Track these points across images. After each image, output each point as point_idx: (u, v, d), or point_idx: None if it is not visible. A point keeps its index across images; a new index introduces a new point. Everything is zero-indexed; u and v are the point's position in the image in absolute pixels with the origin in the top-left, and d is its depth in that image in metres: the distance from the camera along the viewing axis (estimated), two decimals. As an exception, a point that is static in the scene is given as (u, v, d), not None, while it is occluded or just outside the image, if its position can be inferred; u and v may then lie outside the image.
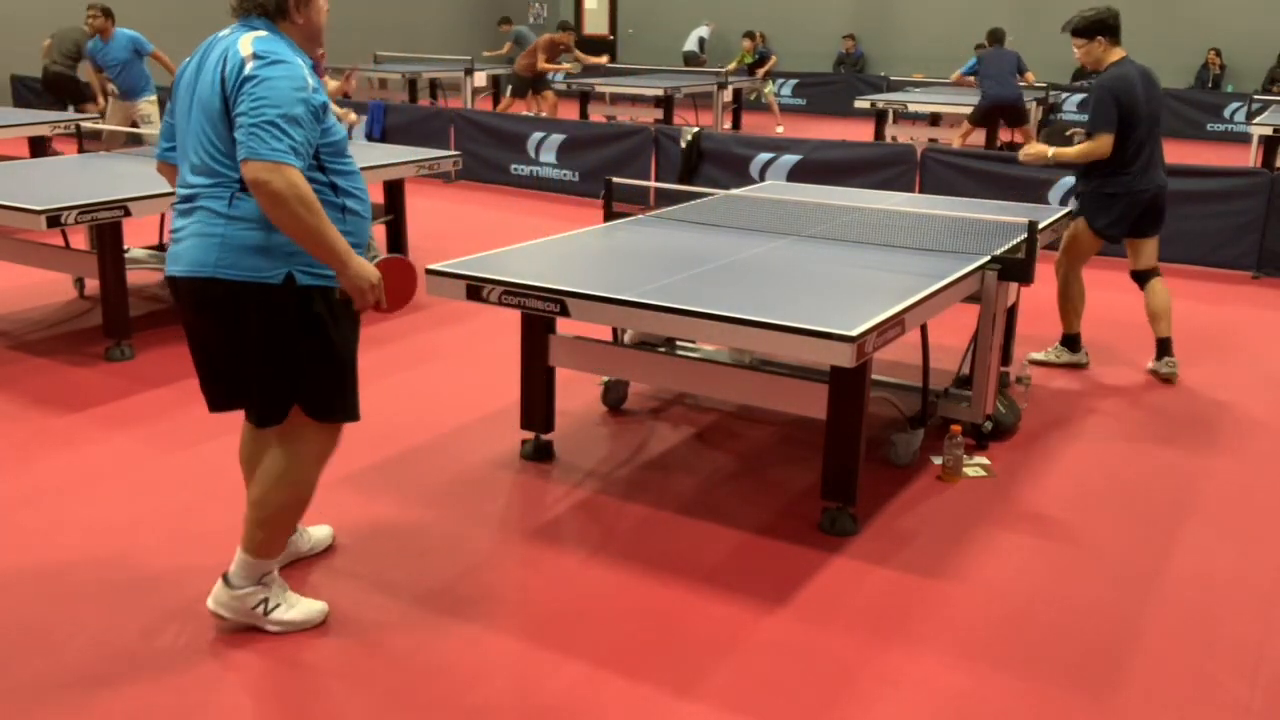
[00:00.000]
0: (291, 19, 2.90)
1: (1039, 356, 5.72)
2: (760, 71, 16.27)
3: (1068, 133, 5.54)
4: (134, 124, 9.62)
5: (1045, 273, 5.39)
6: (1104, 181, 5.27)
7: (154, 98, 9.74)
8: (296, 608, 3.09)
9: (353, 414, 3.01)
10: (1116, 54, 5.29)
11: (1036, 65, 11.51)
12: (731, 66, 16.78)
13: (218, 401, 3.04)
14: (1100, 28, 5.26)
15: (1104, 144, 5.14)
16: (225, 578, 3.04)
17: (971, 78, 12.11)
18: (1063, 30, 5.42)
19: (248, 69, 2.71)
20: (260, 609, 3.04)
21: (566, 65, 14.38)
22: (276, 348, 2.84)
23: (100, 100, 10.00)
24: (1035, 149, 5.32)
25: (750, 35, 16.75)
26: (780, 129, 15.87)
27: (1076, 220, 5.44)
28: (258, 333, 2.81)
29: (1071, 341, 5.70)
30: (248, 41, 2.78)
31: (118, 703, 2.77)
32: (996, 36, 12.00)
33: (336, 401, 2.96)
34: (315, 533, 3.58)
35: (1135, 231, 5.43)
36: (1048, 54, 16.91)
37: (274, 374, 2.87)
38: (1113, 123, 5.12)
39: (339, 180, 2.89)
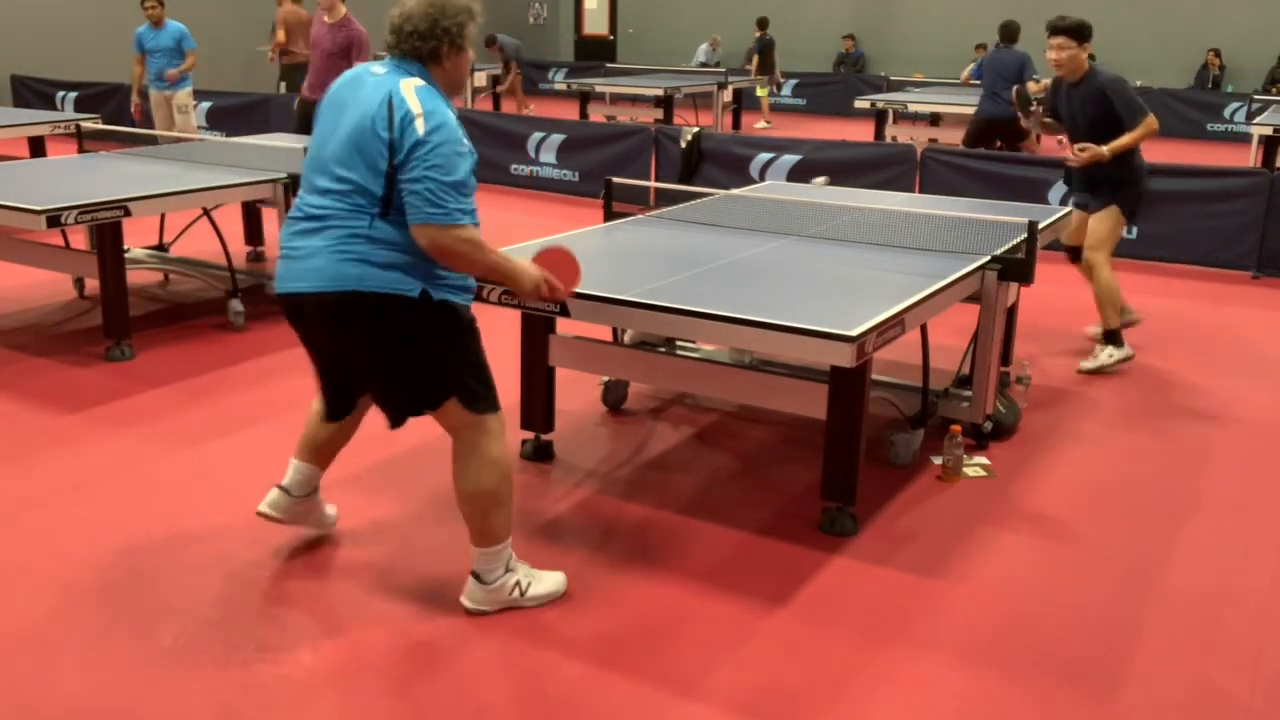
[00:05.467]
0: (442, 64, 3.03)
1: (1090, 366, 5.56)
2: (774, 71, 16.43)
3: (1033, 105, 5.77)
4: (169, 117, 10.08)
5: (1045, 272, 5.38)
6: (1134, 168, 5.44)
7: (191, 90, 10.18)
8: (544, 581, 3.28)
9: (493, 406, 3.14)
10: (1087, 60, 5.46)
11: (1037, 66, 10.03)
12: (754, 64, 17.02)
13: (341, 403, 3.37)
14: (1090, 34, 5.37)
15: (1155, 121, 5.34)
16: (475, 575, 3.19)
17: (977, 81, 11.13)
18: (1056, 30, 5.39)
19: (419, 129, 2.85)
20: (515, 593, 3.21)
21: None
22: (421, 351, 3.02)
23: (137, 97, 10.30)
24: (1091, 150, 5.35)
25: (760, 21, 16.93)
26: (760, 124, 16.07)
27: (1109, 209, 5.46)
28: (403, 339, 3.00)
29: (1115, 337, 5.60)
30: (412, 92, 2.90)
31: (117, 703, 2.77)
32: (1006, 34, 10.26)
33: (485, 395, 3.12)
34: (328, 511, 3.69)
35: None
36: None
37: (419, 375, 3.05)
38: (1146, 105, 5.35)
39: None
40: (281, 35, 11.23)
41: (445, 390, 3.06)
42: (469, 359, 3.10)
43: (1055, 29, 5.39)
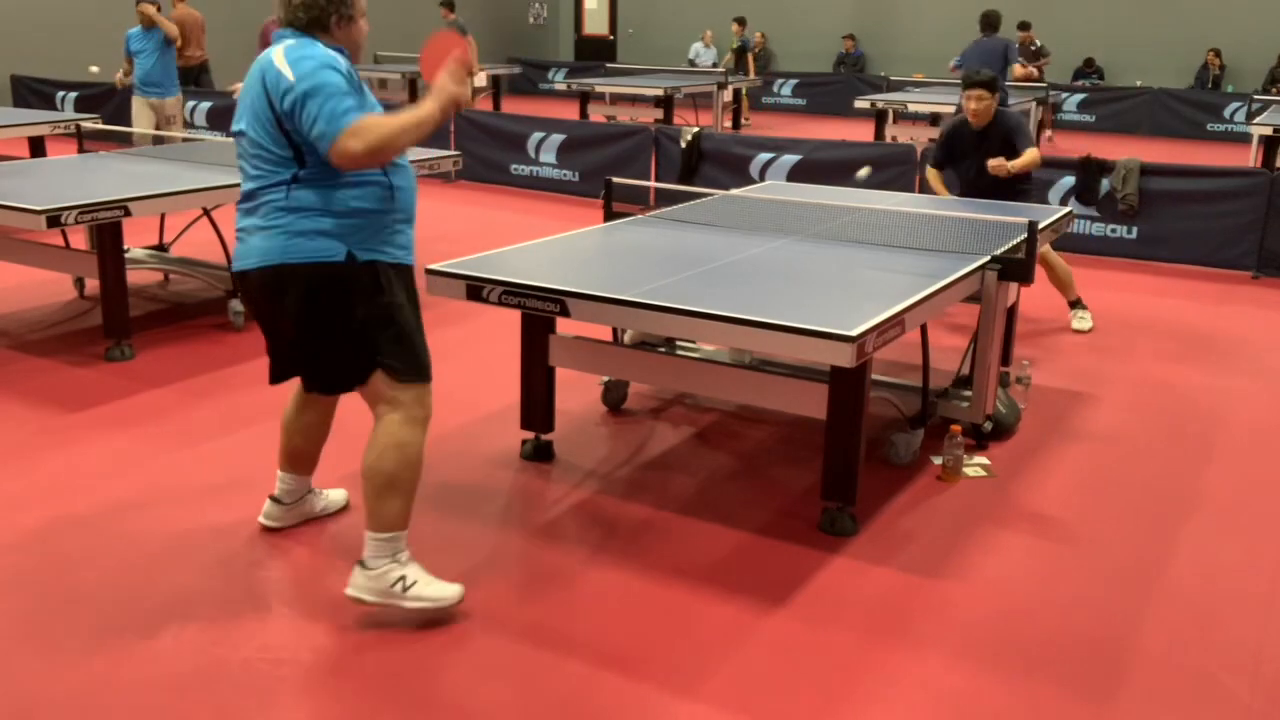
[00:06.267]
0: (330, 33, 3.10)
1: (1086, 326, 6.33)
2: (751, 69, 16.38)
3: None
4: (158, 125, 9.63)
5: (1044, 273, 5.42)
6: (1030, 180, 6.23)
7: (180, 97, 9.79)
8: (433, 586, 3.16)
9: (425, 375, 3.15)
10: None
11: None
12: (728, 59, 16.92)
13: (281, 373, 3.35)
14: (998, 86, 6.09)
15: (1039, 154, 6.06)
16: (361, 563, 3.14)
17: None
18: (976, 84, 5.97)
19: (287, 79, 2.94)
20: (398, 587, 3.12)
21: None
22: (346, 319, 3.05)
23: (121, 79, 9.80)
24: (997, 162, 5.90)
25: (739, 20, 16.80)
26: (744, 121, 16.13)
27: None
28: (328, 307, 3.04)
29: (1081, 302, 6.46)
30: (280, 55, 3.00)
31: (117, 703, 2.77)
32: (987, 22, 10.73)
33: (408, 363, 3.12)
34: (331, 495, 3.79)
35: None
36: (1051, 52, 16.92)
37: (345, 344, 3.08)
38: None
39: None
40: (177, 37, 11.02)
41: (372, 358, 3.08)
42: (399, 323, 3.10)
43: (974, 83, 5.97)
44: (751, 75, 16.88)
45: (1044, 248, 6.11)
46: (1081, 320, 6.35)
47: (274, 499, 3.64)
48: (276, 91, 2.95)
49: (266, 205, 3.03)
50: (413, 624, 3.14)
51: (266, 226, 3.02)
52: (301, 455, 3.59)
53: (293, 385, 3.49)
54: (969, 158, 6.13)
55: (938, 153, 6.32)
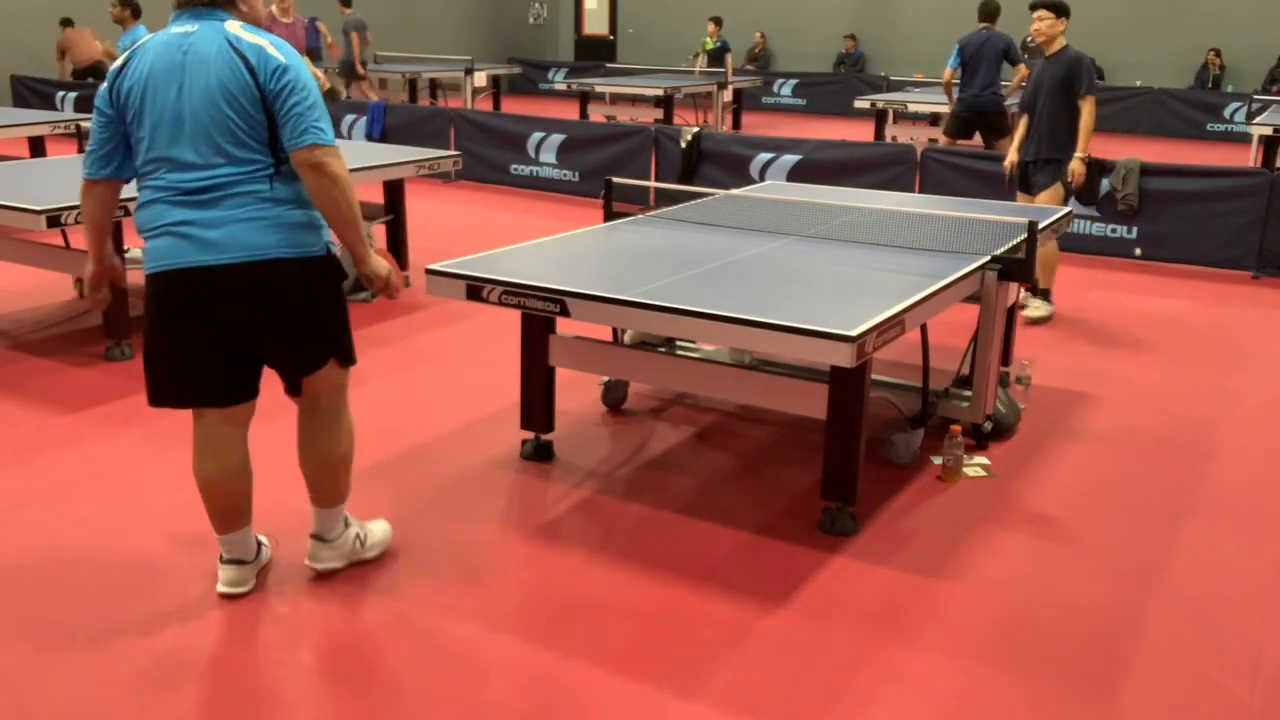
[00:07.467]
0: (237, 6, 2.98)
1: (1036, 315, 6.35)
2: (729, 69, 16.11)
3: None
4: None
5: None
6: (1070, 147, 6.24)
7: None
8: (374, 530, 3.46)
9: (355, 358, 3.27)
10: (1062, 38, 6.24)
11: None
12: (696, 57, 16.64)
13: (232, 391, 3.08)
14: (1068, 12, 6.14)
15: (1094, 105, 6.16)
16: (318, 536, 3.30)
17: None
18: (1037, 5, 6.14)
19: (277, 58, 2.85)
20: (358, 544, 3.37)
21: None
22: (325, 310, 3.08)
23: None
24: (1079, 167, 6.17)
25: (716, 20, 16.50)
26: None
27: (1055, 185, 6.27)
28: (310, 301, 3.03)
29: (1047, 294, 6.50)
30: (243, 30, 2.90)
31: (117, 702, 2.77)
32: (986, 13, 9.46)
33: (351, 347, 3.24)
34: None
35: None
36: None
37: (322, 334, 3.10)
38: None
39: None
40: (59, 56, 10.83)
41: (346, 341, 3.17)
42: (346, 309, 3.19)
43: (1036, 4, 6.15)
44: (730, 72, 16.39)
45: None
46: (1036, 309, 6.38)
47: (236, 562, 3.22)
48: (265, 68, 2.80)
49: (245, 196, 2.85)
50: (412, 624, 3.14)
51: (248, 219, 2.84)
52: (242, 506, 3.20)
53: (193, 446, 3.17)
54: (1034, 92, 6.31)
55: (1023, 96, 6.49)
